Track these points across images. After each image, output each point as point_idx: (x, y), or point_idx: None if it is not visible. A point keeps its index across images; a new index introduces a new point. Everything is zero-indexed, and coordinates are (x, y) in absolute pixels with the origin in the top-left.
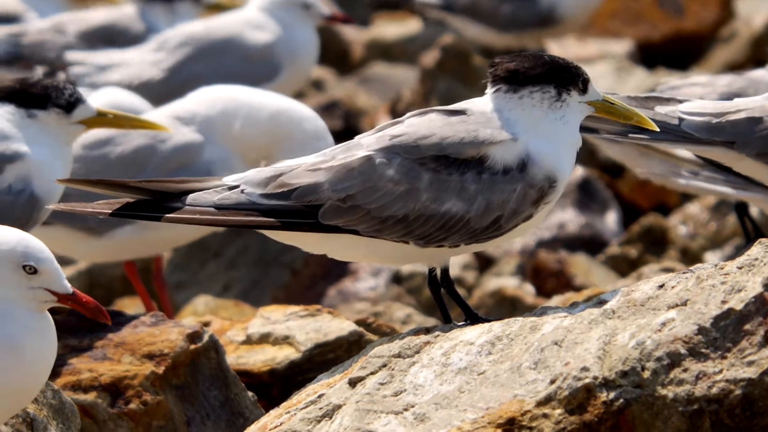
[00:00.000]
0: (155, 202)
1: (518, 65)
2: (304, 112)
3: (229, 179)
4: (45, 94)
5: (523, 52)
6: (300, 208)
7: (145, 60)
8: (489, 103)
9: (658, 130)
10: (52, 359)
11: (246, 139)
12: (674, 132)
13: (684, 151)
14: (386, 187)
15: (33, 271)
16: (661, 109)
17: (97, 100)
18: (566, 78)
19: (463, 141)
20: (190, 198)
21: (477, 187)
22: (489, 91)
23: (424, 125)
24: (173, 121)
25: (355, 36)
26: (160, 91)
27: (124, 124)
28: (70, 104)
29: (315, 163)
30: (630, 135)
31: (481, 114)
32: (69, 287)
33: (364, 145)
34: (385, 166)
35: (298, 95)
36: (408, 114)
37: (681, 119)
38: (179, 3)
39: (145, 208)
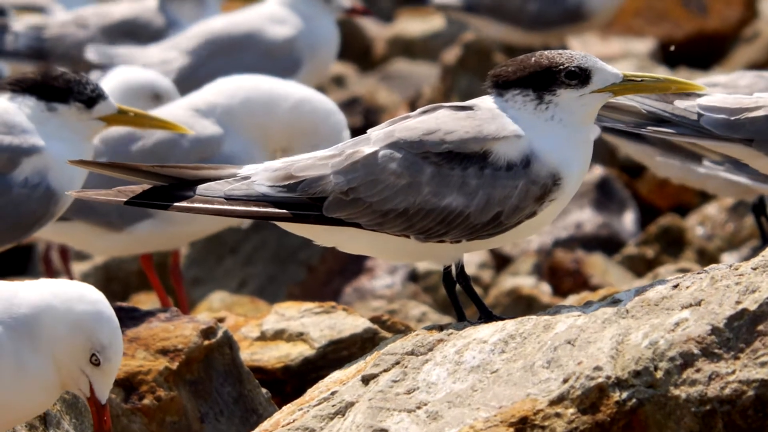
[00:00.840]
0: (167, 191)
1: (501, 70)
2: (326, 103)
3: (245, 169)
4: (67, 88)
5: (526, 55)
6: (305, 201)
7: (165, 57)
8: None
9: (705, 89)
10: None
11: (267, 128)
12: (692, 127)
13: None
14: (388, 180)
15: (97, 362)
16: (680, 104)
17: (114, 78)
18: (545, 79)
19: (467, 135)
20: (202, 188)
21: (478, 182)
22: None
23: (432, 120)
24: (193, 114)
25: (377, 32)
26: (181, 88)
27: (145, 123)
28: (91, 99)
29: (324, 156)
30: (648, 128)
31: (489, 110)
32: (105, 398)
33: (372, 139)
34: (388, 160)
35: (319, 91)
36: (419, 110)
37: (700, 114)
38: None
39: (157, 197)
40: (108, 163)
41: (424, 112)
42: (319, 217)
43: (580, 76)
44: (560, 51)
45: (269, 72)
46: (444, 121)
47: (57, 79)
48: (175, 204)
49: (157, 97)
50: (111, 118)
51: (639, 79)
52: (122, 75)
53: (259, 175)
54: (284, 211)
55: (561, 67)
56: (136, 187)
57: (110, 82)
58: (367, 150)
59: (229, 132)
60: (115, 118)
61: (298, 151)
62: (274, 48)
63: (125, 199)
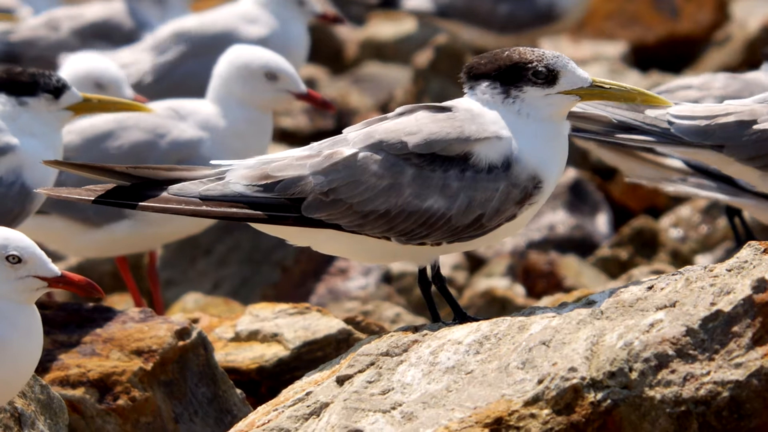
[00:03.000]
0: (140, 191)
1: (475, 62)
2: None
3: (220, 168)
4: (33, 81)
5: (500, 48)
6: (283, 201)
7: (140, 59)
8: (473, 101)
9: (671, 104)
10: (38, 354)
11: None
12: (663, 135)
13: (672, 160)
14: (369, 181)
15: (17, 260)
16: (651, 112)
17: (71, 66)
18: (513, 74)
19: (448, 137)
20: (176, 188)
21: (460, 184)
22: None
23: (411, 122)
24: (172, 116)
25: (349, 35)
26: (157, 89)
27: (110, 108)
28: (57, 89)
29: (301, 156)
30: (616, 136)
31: (467, 111)
32: (56, 270)
33: (350, 140)
34: (369, 161)
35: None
36: (396, 110)
37: (670, 122)
38: None
39: (130, 196)
40: (82, 164)
41: (402, 114)
42: (298, 219)
43: (547, 76)
44: (533, 49)
45: None
46: (424, 123)
47: (22, 73)
48: (148, 204)
49: (100, 86)
50: (77, 106)
51: (607, 86)
52: (71, 64)
53: (235, 173)
54: (262, 212)
55: (529, 64)
56: (108, 185)
57: (63, 72)
58: (348, 151)
59: (209, 137)
60: (82, 106)
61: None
62: None
63: (93, 198)
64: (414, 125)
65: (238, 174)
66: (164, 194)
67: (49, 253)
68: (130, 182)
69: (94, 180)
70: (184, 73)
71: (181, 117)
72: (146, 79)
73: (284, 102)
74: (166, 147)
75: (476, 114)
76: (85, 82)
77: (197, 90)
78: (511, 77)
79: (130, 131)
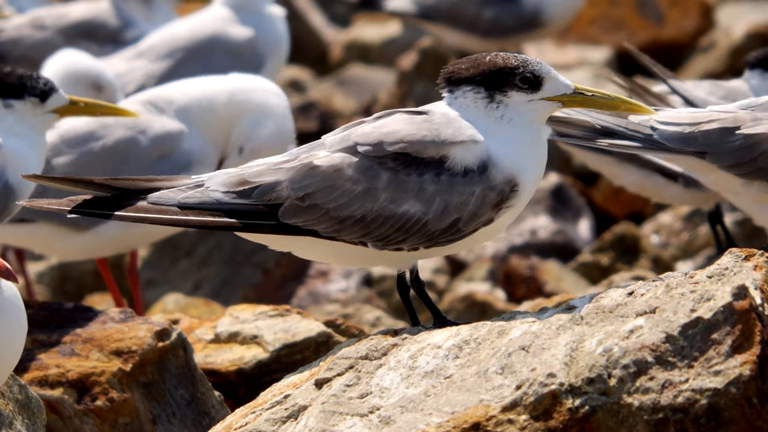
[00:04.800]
0: (119, 200)
1: (455, 66)
2: (259, 83)
3: (197, 177)
4: (20, 84)
5: (480, 53)
6: (260, 208)
7: (132, 68)
8: (449, 107)
9: (655, 113)
10: (21, 346)
11: (226, 127)
12: (646, 141)
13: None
14: (345, 186)
15: None
16: (634, 118)
17: (54, 64)
18: (498, 79)
19: (424, 140)
20: (155, 196)
21: (435, 188)
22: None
23: (388, 125)
24: (151, 109)
25: (334, 37)
26: None
27: (96, 112)
28: (44, 93)
29: (278, 162)
30: (599, 141)
31: (443, 115)
32: None
33: (327, 144)
34: (345, 166)
35: None
36: (374, 115)
37: (653, 128)
38: None
39: (109, 206)
40: (62, 177)
41: (379, 118)
42: (275, 227)
43: (533, 82)
44: (515, 54)
45: (236, 72)
46: (401, 126)
47: (9, 75)
48: (126, 213)
49: (99, 88)
50: (64, 109)
51: (590, 93)
52: (63, 61)
53: (214, 180)
54: (239, 220)
55: (515, 69)
56: (87, 195)
57: (50, 69)
58: (324, 155)
59: (189, 129)
60: (68, 109)
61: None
62: (239, 48)
63: (68, 209)
64: (390, 129)
65: (217, 180)
66: (143, 203)
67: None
68: (110, 193)
69: (75, 192)
70: (179, 79)
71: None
72: (141, 88)
73: None
74: (147, 142)
75: (453, 118)
76: (82, 81)
77: None
78: (496, 82)
79: (110, 129)
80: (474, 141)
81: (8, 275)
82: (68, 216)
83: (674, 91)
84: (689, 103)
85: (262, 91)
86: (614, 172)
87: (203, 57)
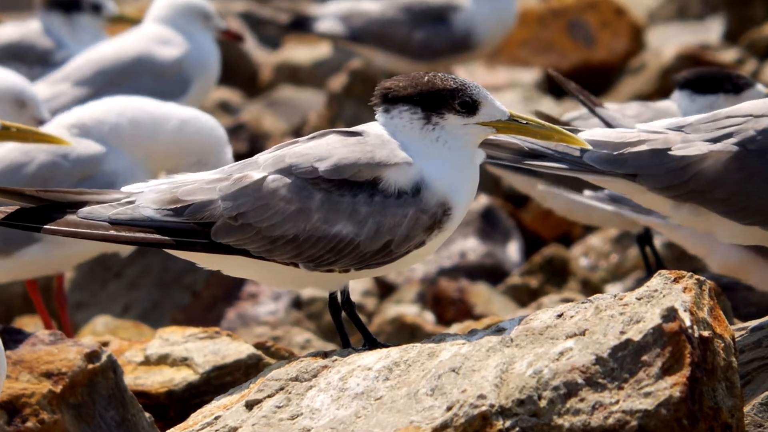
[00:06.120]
0: (50, 213)
1: (392, 84)
2: (209, 121)
3: (128, 189)
4: None
5: (417, 72)
6: (192, 226)
7: (57, 91)
8: (383, 126)
9: (589, 147)
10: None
11: (152, 148)
12: (574, 162)
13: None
14: (278, 205)
15: None
16: None
17: None
18: (436, 101)
19: (358, 162)
20: (86, 211)
21: (368, 209)
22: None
23: (322, 146)
24: (75, 133)
25: (264, 58)
26: None
27: (28, 138)
28: None
29: (210, 180)
30: (527, 162)
31: (378, 136)
32: None
33: (261, 163)
34: (278, 185)
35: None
36: (307, 135)
37: (583, 150)
38: (78, 15)
39: (38, 219)
40: None
41: (313, 138)
42: (207, 245)
43: (470, 106)
44: (454, 76)
45: (162, 94)
46: (335, 147)
47: None
48: (56, 227)
49: (22, 104)
50: None
51: (524, 121)
52: None
53: (145, 197)
54: (171, 237)
55: (455, 92)
56: (11, 207)
57: None
58: (257, 175)
59: (113, 150)
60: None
61: (187, 170)
62: (165, 69)
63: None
64: (324, 149)
65: (148, 197)
66: (73, 218)
67: None
68: (40, 205)
69: (3, 203)
70: None
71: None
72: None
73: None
74: (69, 165)
75: (387, 139)
76: (4, 98)
77: None
78: (434, 104)
79: (33, 153)
80: (408, 163)
81: None
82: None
83: (602, 121)
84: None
85: (214, 126)
86: (543, 195)
87: (129, 79)
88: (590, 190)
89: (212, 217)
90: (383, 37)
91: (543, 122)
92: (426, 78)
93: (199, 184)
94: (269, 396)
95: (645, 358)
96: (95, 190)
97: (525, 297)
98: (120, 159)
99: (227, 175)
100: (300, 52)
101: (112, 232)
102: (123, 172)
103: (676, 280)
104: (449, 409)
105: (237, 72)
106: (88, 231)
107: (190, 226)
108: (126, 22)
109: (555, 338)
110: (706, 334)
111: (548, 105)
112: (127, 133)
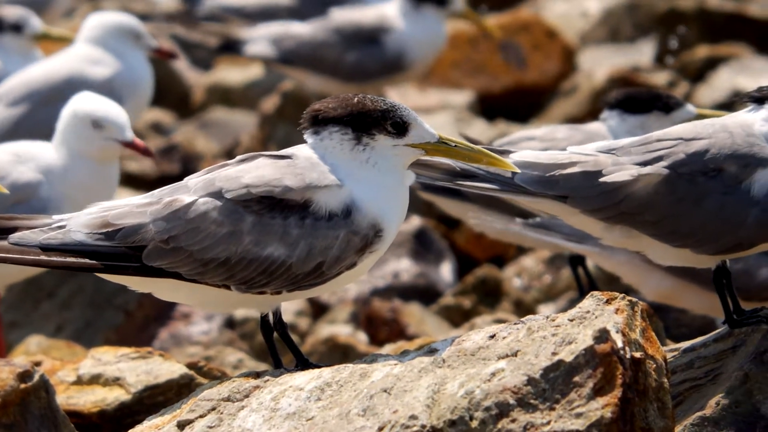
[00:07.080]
0: None
1: (322, 106)
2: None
3: (58, 218)
4: None
5: (347, 94)
6: (124, 250)
7: None
8: (312, 149)
9: (518, 171)
10: None
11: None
12: (506, 183)
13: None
14: (209, 228)
15: None
16: None
17: None
18: (366, 122)
19: (288, 185)
20: (16, 236)
21: (300, 231)
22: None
23: (252, 169)
24: (13, 157)
25: (196, 79)
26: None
27: None
28: None
29: (141, 204)
30: (458, 182)
31: (307, 159)
32: None
33: (191, 187)
34: (209, 208)
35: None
36: (237, 158)
37: (514, 171)
38: (1, 36)
39: None
40: None
41: (243, 161)
42: (138, 269)
43: (400, 127)
44: (383, 98)
45: None
46: (265, 170)
47: None
48: None
49: None
50: None
51: (453, 144)
52: None
53: (75, 221)
54: (103, 262)
55: (386, 113)
56: None
57: None
58: (188, 198)
59: (48, 179)
60: None
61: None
62: (96, 89)
63: None
64: (254, 172)
65: (79, 222)
66: (3, 243)
67: None
68: None
69: None
70: (35, 122)
71: (22, 160)
72: None
73: (112, 150)
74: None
75: (316, 162)
76: None
77: (49, 139)
78: (364, 124)
79: None
80: (338, 185)
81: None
82: None
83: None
84: None
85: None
86: (475, 223)
87: (58, 100)
88: (522, 218)
89: (143, 240)
90: (314, 59)
91: (472, 145)
92: (356, 99)
93: (130, 208)
94: (201, 416)
95: (577, 379)
96: (24, 216)
97: (458, 317)
98: (55, 188)
99: (157, 198)
100: (232, 74)
101: (43, 257)
102: (57, 199)
103: (608, 302)
104: (380, 429)
105: (169, 93)
106: (20, 256)
107: (121, 249)
108: (53, 40)
109: (487, 359)
110: (638, 355)
111: (480, 127)
112: (58, 169)
